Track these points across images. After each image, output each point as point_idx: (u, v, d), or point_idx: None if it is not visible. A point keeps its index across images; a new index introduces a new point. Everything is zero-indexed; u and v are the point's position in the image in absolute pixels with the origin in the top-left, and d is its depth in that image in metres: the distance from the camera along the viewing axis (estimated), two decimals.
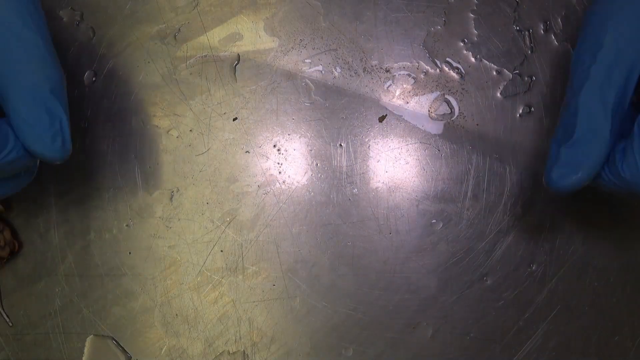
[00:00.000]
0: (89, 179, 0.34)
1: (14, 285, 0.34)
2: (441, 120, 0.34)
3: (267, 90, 0.34)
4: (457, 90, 0.34)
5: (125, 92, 0.34)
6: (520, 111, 0.34)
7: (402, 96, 0.34)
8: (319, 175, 0.34)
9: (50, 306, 0.34)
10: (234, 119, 0.34)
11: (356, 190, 0.34)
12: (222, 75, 0.35)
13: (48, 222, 0.34)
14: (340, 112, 0.34)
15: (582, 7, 0.35)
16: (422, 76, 0.35)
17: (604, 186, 0.27)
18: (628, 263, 0.34)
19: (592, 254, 0.34)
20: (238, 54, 0.35)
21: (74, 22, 0.35)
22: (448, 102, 0.34)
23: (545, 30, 0.35)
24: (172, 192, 0.34)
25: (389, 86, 0.35)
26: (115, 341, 0.34)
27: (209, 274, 0.34)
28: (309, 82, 0.35)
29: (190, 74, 0.34)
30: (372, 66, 0.35)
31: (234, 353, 0.33)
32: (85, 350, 0.33)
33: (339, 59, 0.35)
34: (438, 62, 0.35)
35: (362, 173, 0.34)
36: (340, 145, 0.34)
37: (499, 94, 0.34)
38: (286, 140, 0.34)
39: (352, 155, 0.34)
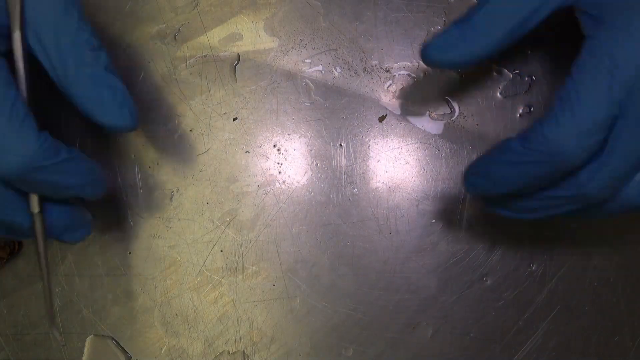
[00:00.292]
0: None
1: (14, 285, 0.34)
2: (441, 120, 0.34)
3: (267, 90, 0.35)
4: (457, 90, 0.34)
5: None
6: (520, 111, 0.34)
7: (402, 96, 0.34)
8: (319, 175, 0.34)
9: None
10: (234, 119, 0.34)
11: (356, 190, 0.34)
12: (222, 75, 0.35)
13: None
14: (340, 112, 0.34)
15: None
16: (422, 76, 0.35)
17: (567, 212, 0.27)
18: (628, 263, 0.34)
19: (592, 254, 0.34)
20: (238, 54, 0.35)
21: None
22: (448, 102, 0.34)
23: (546, 30, 0.35)
24: (172, 192, 0.34)
25: (389, 86, 0.35)
26: (115, 341, 0.34)
27: (209, 274, 0.34)
28: (309, 82, 0.35)
29: (190, 74, 0.34)
30: (372, 66, 0.35)
31: (234, 353, 0.33)
32: (85, 350, 0.33)
33: (339, 59, 0.35)
34: None
35: (362, 173, 0.34)
36: (340, 145, 0.34)
37: (499, 94, 0.34)
38: (286, 140, 0.34)
39: (352, 155, 0.34)
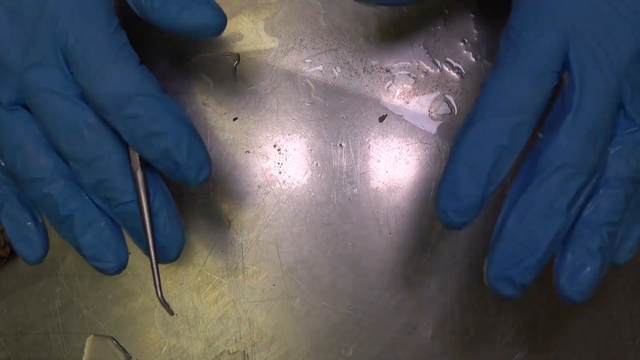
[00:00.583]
0: None
1: (14, 285, 0.34)
2: (441, 120, 0.34)
3: (267, 90, 0.35)
4: (457, 90, 0.34)
5: None
6: None
7: (402, 96, 0.35)
8: (319, 175, 0.34)
9: (50, 306, 0.34)
10: (234, 119, 0.34)
11: (356, 190, 0.34)
12: (222, 75, 0.35)
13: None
14: (341, 112, 0.34)
15: None
16: (422, 76, 0.35)
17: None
18: (628, 263, 0.34)
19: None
20: (238, 54, 0.35)
21: None
22: (448, 102, 0.34)
23: None
24: (172, 192, 0.34)
25: (389, 86, 0.35)
26: (115, 341, 0.34)
27: (209, 274, 0.34)
28: (309, 82, 0.35)
29: (191, 73, 0.34)
30: (372, 66, 0.35)
31: (234, 353, 0.33)
32: (85, 350, 0.33)
33: (339, 59, 0.35)
34: (438, 62, 0.35)
35: (362, 173, 0.34)
36: (341, 145, 0.34)
37: None
38: (286, 140, 0.34)
39: (352, 155, 0.34)
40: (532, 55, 0.25)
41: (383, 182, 0.34)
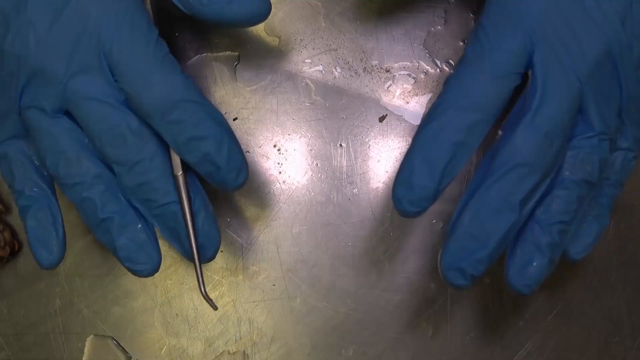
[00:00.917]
0: None
1: (14, 285, 0.34)
2: None
3: (267, 90, 0.34)
4: None
5: None
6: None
7: (402, 96, 0.35)
8: (319, 175, 0.34)
9: (50, 306, 0.34)
10: (235, 119, 0.34)
11: (356, 190, 0.34)
12: (223, 75, 0.35)
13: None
14: (341, 112, 0.34)
15: None
16: (422, 76, 0.35)
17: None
18: (628, 263, 0.34)
19: (592, 254, 0.34)
20: (238, 54, 0.35)
21: None
22: None
23: None
24: None
25: (389, 86, 0.35)
26: (115, 341, 0.34)
27: (209, 274, 0.34)
28: (309, 82, 0.35)
29: (190, 74, 0.34)
30: (372, 66, 0.35)
31: (234, 353, 0.33)
32: (85, 350, 0.34)
33: (339, 59, 0.35)
34: (438, 62, 0.35)
35: (362, 173, 0.34)
36: (341, 145, 0.34)
37: None
38: (286, 140, 0.34)
39: (352, 155, 0.34)
40: (495, 56, 0.26)
41: (383, 182, 0.34)
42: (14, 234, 0.34)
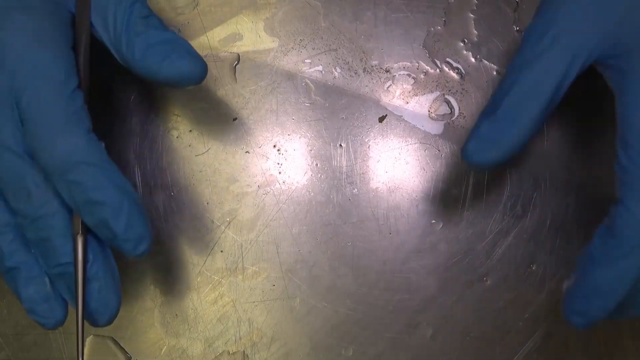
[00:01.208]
0: None
1: None
2: (441, 120, 0.34)
3: (267, 90, 0.35)
4: (457, 90, 0.34)
5: (126, 92, 0.34)
6: None
7: (402, 96, 0.35)
8: (319, 175, 0.34)
9: None
10: (234, 119, 0.34)
11: (356, 190, 0.34)
12: (222, 75, 0.35)
13: None
14: (340, 112, 0.34)
15: None
16: (422, 76, 0.35)
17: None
18: None
19: None
20: (238, 54, 0.35)
21: None
22: (448, 102, 0.34)
23: None
24: (172, 192, 0.34)
25: (389, 86, 0.35)
26: (115, 341, 0.34)
27: (209, 274, 0.34)
28: (309, 82, 0.35)
29: None
30: (372, 66, 0.35)
31: (234, 353, 0.33)
32: (85, 350, 0.33)
33: (339, 59, 0.35)
34: (438, 62, 0.35)
35: (362, 173, 0.34)
36: (340, 145, 0.34)
37: None
38: (286, 140, 0.34)
39: (352, 155, 0.34)
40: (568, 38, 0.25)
41: (383, 182, 0.34)
42: None
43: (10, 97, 0.25)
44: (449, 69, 0.35)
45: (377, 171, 0.34)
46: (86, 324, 0.26)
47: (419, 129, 0.34)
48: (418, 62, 0.35)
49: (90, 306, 0.26)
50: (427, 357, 0.33)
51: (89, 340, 0.34)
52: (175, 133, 0.34)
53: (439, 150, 0.34)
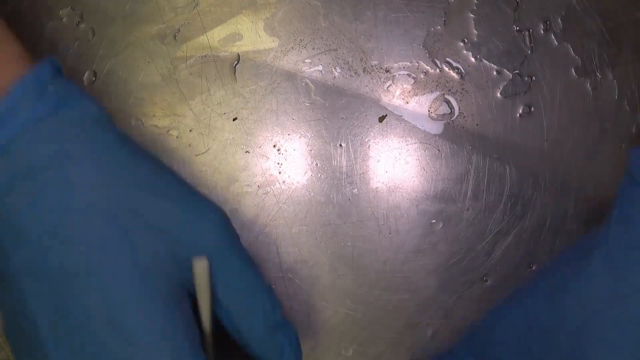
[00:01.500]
0: None
1: None
2: (441, 120, 0.34)
3: (267, 90, 0.35)
4: (457, 90, 0.34)
5: (125, 92, 0.34)
6: (520, 111, 0.34)
7: (402, 96, 0.35)
8: (319, 175, 0.34)
9: None
10: (234, 119, 0.34)
11: (356, 190, 0.34)
12: (222, 75, 0.35)
13: None
14: (340, 112, 0.34)
15: (582, 7, 0.35)
16: (422, 76, 0.35)
17: None
18: None
19: None
20: (238, 54, 0.35)
21: (74, 22, 0.35)
22: (448, 102, 0.34)
23: (545, 30, 0.35)
24: None
25: (389, 86, 0.35)
26: None
27: None
28: (309, 82, 0.35)
29: (190, 74, 0.34)
30: (372, 66, 0.35)
31: None
32: None
33: (339, 59, 0.35)
34: (438, 62, 0.35)
35: (362, 173, 0.34)
36: (340, 145, 0.34)
37: (499, 94, 0.34)
38: (286, 140, 0.34)
39: (352, 155, 0.34)
40: None
41: (383, 182, 0.34)
42: None
43: None
44: (449, 69, 0.35)
45: (377, 171, 0.34)
46: None
47: (419, 128, 0.34)
48: (418, 62, 0.35)
49: None
50: (427, 357, 0.33)
51: None
52: (175, 133, 0.34)
53: (439, 150, 0.34)
